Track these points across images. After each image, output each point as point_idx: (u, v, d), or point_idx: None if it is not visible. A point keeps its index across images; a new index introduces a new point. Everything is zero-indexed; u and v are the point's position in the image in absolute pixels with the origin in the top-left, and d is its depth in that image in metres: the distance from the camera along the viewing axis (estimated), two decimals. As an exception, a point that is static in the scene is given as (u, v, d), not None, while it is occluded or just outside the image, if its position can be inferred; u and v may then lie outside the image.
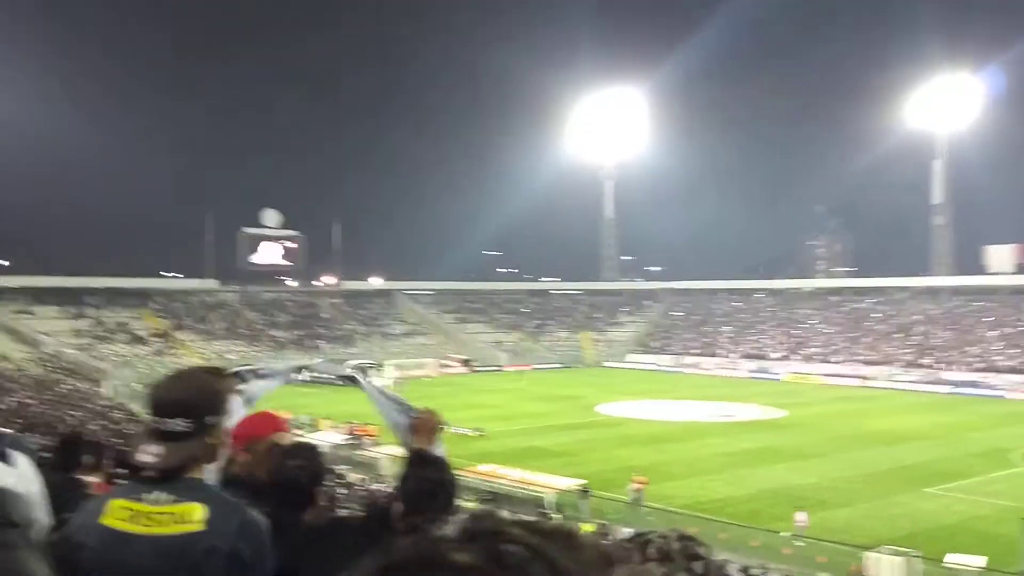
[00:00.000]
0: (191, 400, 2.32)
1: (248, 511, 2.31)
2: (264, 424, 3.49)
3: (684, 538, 2.01)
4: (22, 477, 2.66)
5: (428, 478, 2.71)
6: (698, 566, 1.95)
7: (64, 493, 3.29)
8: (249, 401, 3.31)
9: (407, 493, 2.72)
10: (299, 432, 40.04)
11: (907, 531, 25.68)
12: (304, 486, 2.97)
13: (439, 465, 2.78)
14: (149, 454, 2.27)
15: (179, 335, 77.22)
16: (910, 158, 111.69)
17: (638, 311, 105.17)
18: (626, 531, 25.24)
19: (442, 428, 3.41)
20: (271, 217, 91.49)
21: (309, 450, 3.12)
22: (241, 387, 3.30)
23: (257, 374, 3.41)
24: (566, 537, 0.73)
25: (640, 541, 1.99)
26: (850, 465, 35.53)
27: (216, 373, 2.60)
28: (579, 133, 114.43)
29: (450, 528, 0.73)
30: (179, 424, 2.26)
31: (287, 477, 2.94)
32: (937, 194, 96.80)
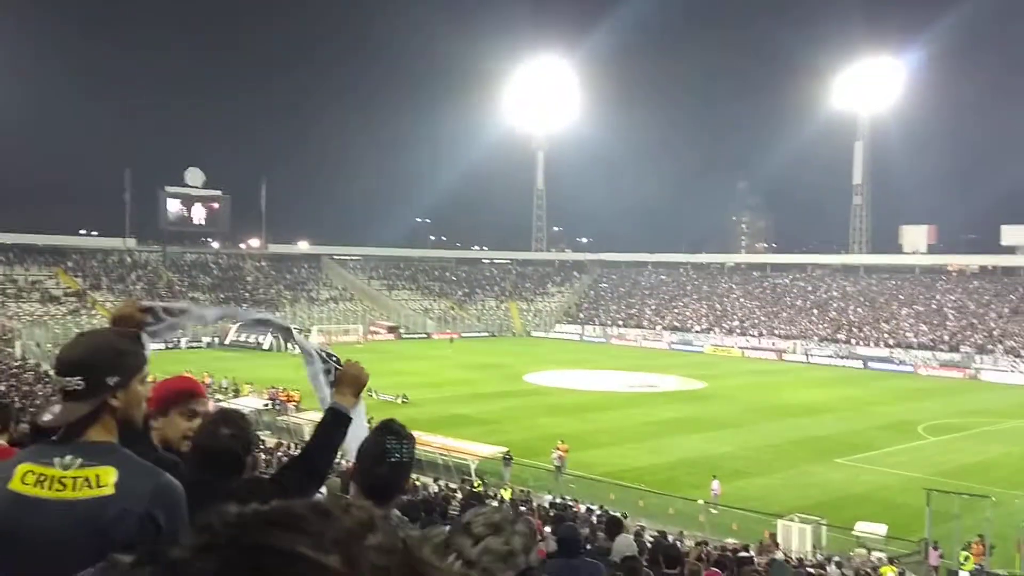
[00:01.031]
0: (88, 359, 2.28)
1: (162, 475, 2.28)
2: (181, 388, 3.43)
3: (502, 510, 2.10)
4: None
5: (384, 446, 2.71)
6: (524, 526, 2.01)
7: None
8: (155, 335, 3.18)
9: (363, 455, 2.72)
10: (220, 397, 39.44)
11: (817, 500, 26.63)
12: (238, 454, 2.93)
13: (402, 436, 2.78)
14: (49, 413, 2.25)
15: (95, 295, 74.94)
16: (833, 138, 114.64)
17: (566, 282, 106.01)
18: (547, 497, 25.65)
19: (366, 386, 3.36)
20: (195, 176, 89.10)
21: (241, 418, 3.07)
22: (151, 322, 3.17)
23: (171, 312, 3.26)
24: (320, 511, 0.70)
25: (463, 525, 2.03)
26: (765, 436, 36.61)
27: (127, 335, 2.54)
28: (512, 102, 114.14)
29: (183, 545, 0.69)
30: (74, 383, 2.24)
31: (222, 446, 2.89)
32: (857, 174, 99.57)
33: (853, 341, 73.38)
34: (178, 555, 0.69)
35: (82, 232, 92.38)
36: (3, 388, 32.12)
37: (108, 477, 2.18)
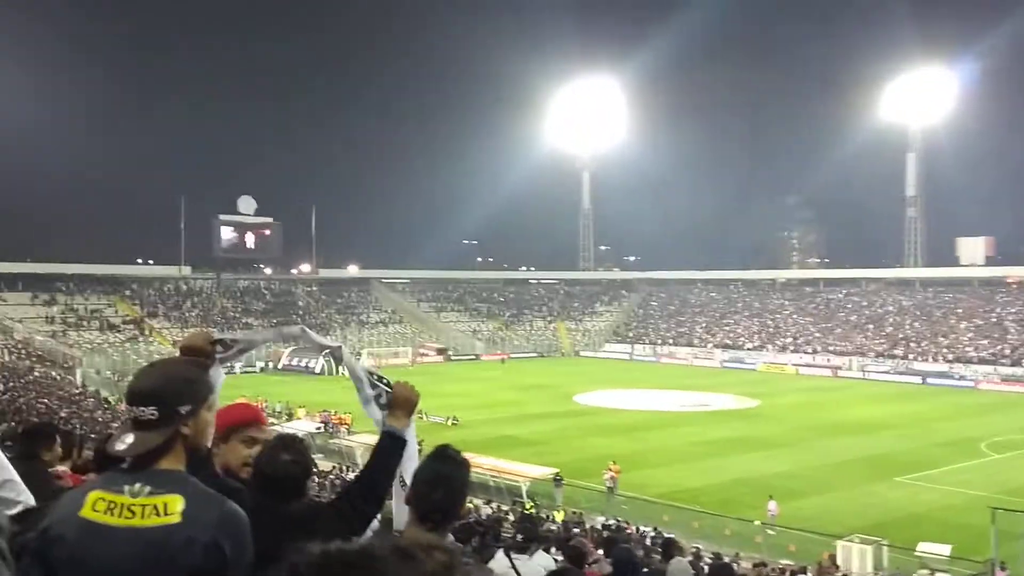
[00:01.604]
0: (161, 389, 2.32)
1: (227, 503, 2.31)
2: (242, 415, 3.48)
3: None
4: None
5: (439, 471, 2.72)
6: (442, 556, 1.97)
7: (30, 482, 3.27)
8: (222, 362, 3.28)
9: (417, 481, 2.74)
10: (274, 421, 39.91)
11: (876, 520, 26.00)
12: (298, 479, 2.96)
13: (456, 462, 2.78)
14: (120, 442, 2.28)
15: (152, 323, 76.55)
16: (884, 150, 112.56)
17: (615, 301, 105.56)
18: (599, 519, 25.42)
19: (417, 407, 3.38)
20: (247, 204, 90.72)
21: (300, 443, 3.09)
22: (220, 354, 3.27)
23: (237, 341, 3.36)
24: (402, 554, 0.70)
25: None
26: (821, 454, 35.92)
27: (196, 363, 2.60)
28: (557, 123, 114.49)
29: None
30: (147, 412, 2.28)
31: (283, 472, 2.92)
32: (910, 186, 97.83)
33: (910, 356, 71.79)
34: None
35: (139, 261, 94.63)
36: (64, 415, 32.90)
37: (175, 505, 2.21)
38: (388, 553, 0.70)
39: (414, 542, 0.73)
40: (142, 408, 2.29)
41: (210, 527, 2.21)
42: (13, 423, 20.68)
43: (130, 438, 2.29)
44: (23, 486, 2.88)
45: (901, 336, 76.91)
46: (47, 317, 71.76)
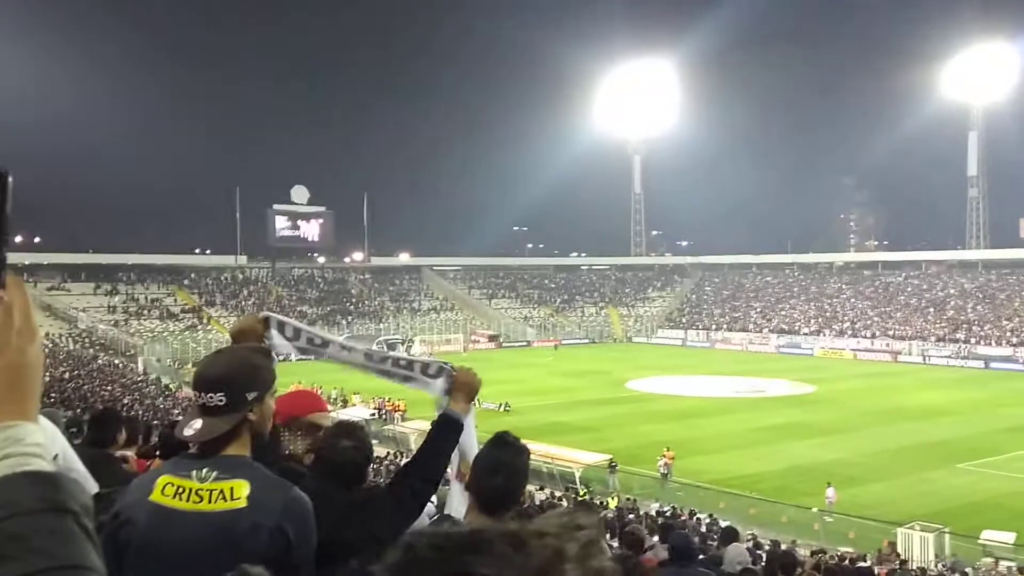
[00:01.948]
0: (229, 375, 2.37)
1: (292, 489, 2.35)
2: (305, 403, 3.53)
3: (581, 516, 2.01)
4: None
5: (498, 458, 2.72)
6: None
7: (98, 468, 3.34)
8: (274, 349, 3.30)
9: (477, 467, 2.75)
10: (329, 408, 40.45)
11: (937, 507, 25.47)
12: (359, 465, 2.99)
13: (515, 448, 2.78)
14: (189, 428, 2.33)
15: (210, 311, 78.10)
16: (945, 129, 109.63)
17: (667, 286, 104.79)
18: (654, 505, 25.32)
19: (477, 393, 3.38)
20: (300, 193, 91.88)
21: (360, 429, 3.12)
22: (271, 333, 3.31)
23: (298, 333, 3.39)
24: (513, 541, 0.71)
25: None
26: (880, 441, 35.27)
27: (260, 350, 2.63)
28: (607, 107, 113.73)
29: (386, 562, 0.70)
30: (216, 398, 2.32)
31: (344, 457, 2.95)
32: (972, 166, 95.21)
33: (973, 340, 70.02)
34: (379, 572, 0.71)
35: (197, 251, 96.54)
36: (127, 402, 33.78)
37: (241, 490, 2.25)
38: (499, 538, 0.71)
39: (526, 529, 0.73)
40: (210, 394, 2.33)
41: (275, 513, 2.25)
42: (78, 410, 21.29)
43: (198, 424, 2.33)
44: (87, 474, 2.95)
45: (963, 319, 75.05)
46: (109, 307, 73.66)
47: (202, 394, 2.35)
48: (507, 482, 2.67)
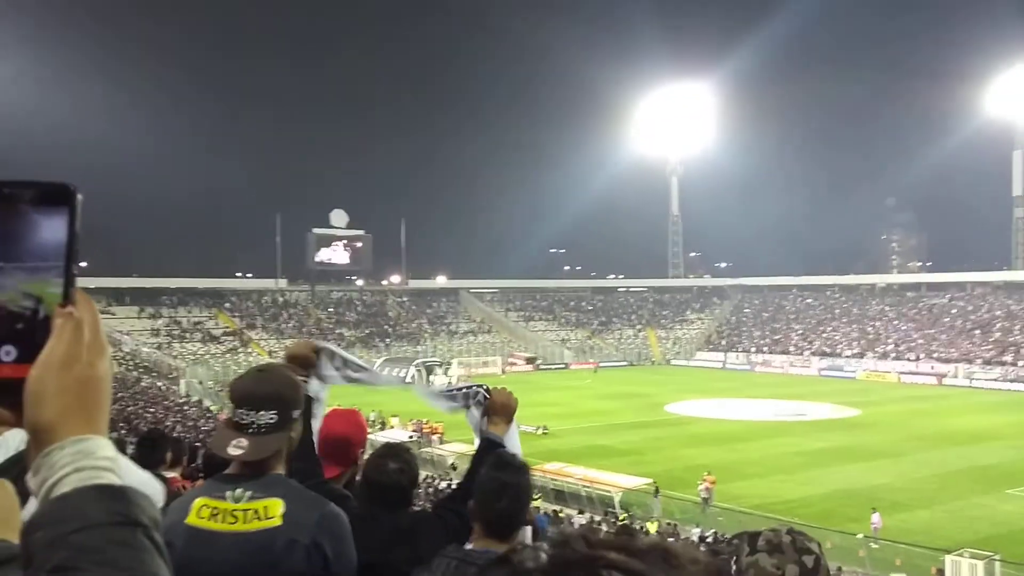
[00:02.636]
0: (279, 393, 2.38)
1: (327, 504, 2.35)
2: (342, 423, 3.55)
3: (793, 532, 1.97)
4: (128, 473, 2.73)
5: (501, 480, 2.68)
6: (809, 560, 1.90)
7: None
8: (323, 380, 3.35)
9: (480, 491, 2.71)
10: (368, 430, 40.62)
11: (986, 533, 24.86)
12: (405, 488, 2.98)
13: (516, 468, 2.73)
14: (238, 447, 2.32)
15: (251, 334, 78.97)
16: (989, 148, 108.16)
17: (706, 308, 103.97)
18: (695, 531, 25.00)
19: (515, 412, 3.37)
20: (339, 217, 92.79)
21: (406, 452, 3.11)
22: (324, 367, 3.34)
23: (349, 365, 3.42)
24: (664, 555, 0.70)
25: (750, 533, 1.95)
26: (926, 465, 34.55)
27: (293, 368, 2.66)
28: (644, 129, 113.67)
29: (539, 554, 0.71)
30: (267, 416, 2.32)
31: (390, 480, 2.94)
32: (1018, 185, 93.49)
33: (1021, 363, 68.44)
34: (533, 567, 0.72)
35: (238, 275, 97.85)
36: (170, 423, 34.21)
37: (276, 509, 2.25)
38: (650, 549, 0.71)
39: (675, 546, 0.73)
40: (262, 412, 2.33)
41: (310, 529, 2.25)
42: (122, 431, 21.59)
43: (245, 443, 2.31)
44: (150, 479, 2.98)
45: (1010, 341, 73.40)
46: (152, 329, 74.82)
47: (250, 412, 2.33)
48: (512, 504, 2.62)
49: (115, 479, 0.86)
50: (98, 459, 0.86)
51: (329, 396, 3.46)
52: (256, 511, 2.25)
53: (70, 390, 0.87)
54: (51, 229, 0.90)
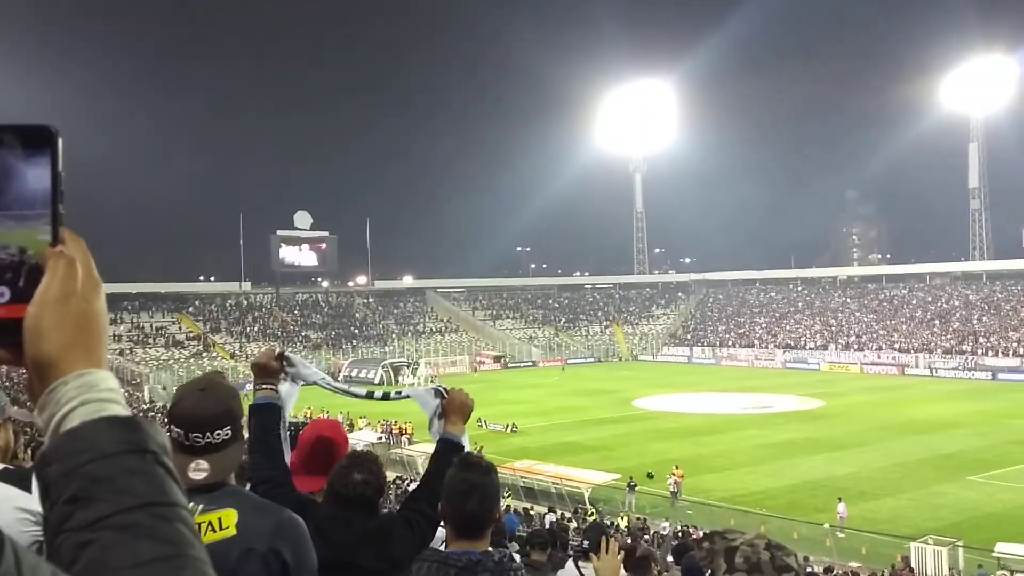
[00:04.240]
0: (228, 408, 2.35)
1: (283, 511, 2.32)
2: (333, 434, 3.54)
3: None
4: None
5: (469, 481, 2.65)
6: None
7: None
8: (294, 380, 3.38)
9: (448, 493, 2.68)
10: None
11: (950, 520, 25.29)
12: (369, 499, 2.95)
13: (483, 469, 2.70)
14: (199, 471, 2.27)
15: (215, 338, 78.11)
16: (945, 141, 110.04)
17: (671, 303, 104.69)
18: (664, 524, 25.14)
19: (471, 413, 3.39)
20: (303, 219, 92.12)
21: (373, 461, 3.08)
22: (289, 369, 3.37)
23: (304, 367, 3.45)
24: None
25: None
26: (890, 455, 35.07)
27: (221, 378, 2.58)
28: (607, 126, 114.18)
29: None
30: (223, 434, 2.30)
31: (354, 492, 2.91)
32: (973, 177, 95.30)
33: (980, 352, 69.76)
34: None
35: (201, 278, 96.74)
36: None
37: (229, 519, 2.22)
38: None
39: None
40: (217, 431, 2.29)
41: (266, 536, 2.22)
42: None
43: (205, 464, 2.28)
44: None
45: (969, 331, 74.82)
46: (115, 335, 73.64)
47: (204, 433, 2.28)
48: (480, 504, 2.58)
49: (120, 409, 0.89)
50: (102, 391, 0.88)
51: (300, 400, 3.45)
52: (210, 523, 2.21)
53: (69, 325, 0.89)
54: (34, 175, 0.91)
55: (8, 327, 0.89)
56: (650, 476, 30.42)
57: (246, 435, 2.49)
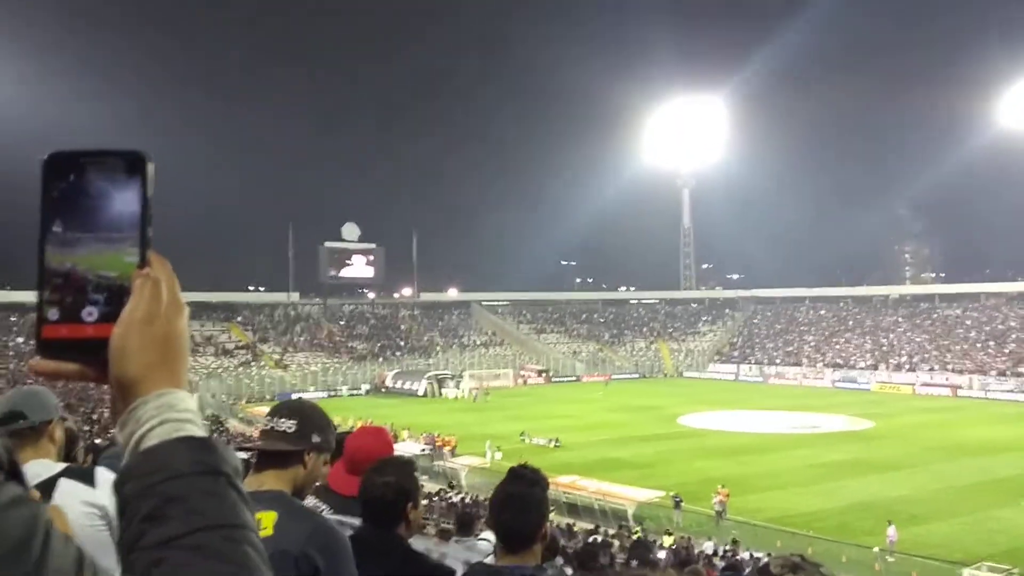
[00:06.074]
0: (303, 410, 2.60)
1: (321, 519, 2.37)
2: (372, 443, 3.53)
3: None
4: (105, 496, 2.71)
5: (507, 491, 2.64)
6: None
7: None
8: None
9: (490, 505, 2.67)
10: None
11: (1005, 547, 24.58)
12: (390, 503, 2.84)
13: (528, 480, 2.67)
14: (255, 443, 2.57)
15: (263, 347, 79.14)
16: (1003, 158, 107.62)
17: (718, 320, 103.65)
18: (708, 544, 24.80)
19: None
20: (351, 231, 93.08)
21: (404, 464, 3.02)
22: None
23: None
24: None
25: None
26: (942, 477, 34.24)
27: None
28: (655, 141, 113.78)
29: None
30: (287, 424, 2.51)
31: (374, 494, 2.85)
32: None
33: (1037, 374, 67.86)
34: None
35: (250, 288, 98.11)
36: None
37: (268, 520, 2.27)
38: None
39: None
40: (283, 419, 2.51)
41: (300, 541, 2.25)
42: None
43: (261, 441, 2.52)
44: None
45: (1026, 353, 72.86)
46: (166, 343, 74.95)
47: (275, 419, 2.52)
48: (517, 517, 2.56)
49: (197, 431, 0.91)
50: (181, 411, 0.92)
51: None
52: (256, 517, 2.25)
53: (152, 346, 0.92)
54: (124, 199, 0.95)
55: (95, 346, 0.91)
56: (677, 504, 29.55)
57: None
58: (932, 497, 31.11)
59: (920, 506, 29.73)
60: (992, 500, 30.46)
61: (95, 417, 36.62)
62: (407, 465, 3.05)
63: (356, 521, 2.84)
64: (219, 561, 0.81)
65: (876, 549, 23.96)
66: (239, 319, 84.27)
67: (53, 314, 0.91)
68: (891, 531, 24.97)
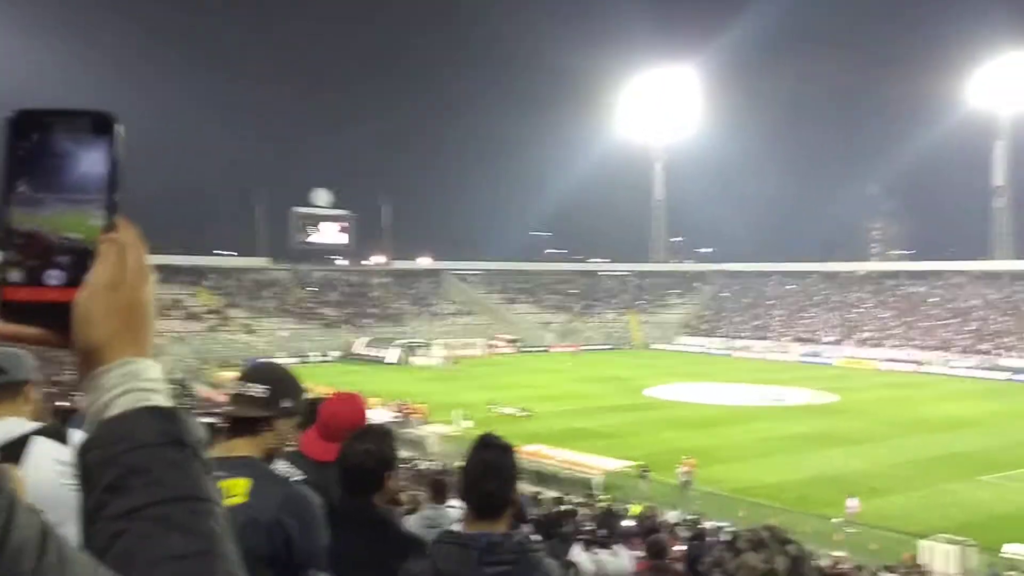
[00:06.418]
0: (276, 375, 2.58)
1: (294, 486, 2.35)
2: (346, 409, 3.51)
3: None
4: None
5: (485, 461, 2.65)
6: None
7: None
8: None
9: (466, 474, 2.67)
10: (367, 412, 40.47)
11: (961, 520, 25.16)
12: (370, 471, 2.89)
13: (501, 448, 2.69)
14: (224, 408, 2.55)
15: (231, 312, 78.54)
16: (971, 139, 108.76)
17: (687, 293, 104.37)
18: (673, 514, 25.12)
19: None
20: (322, 197, 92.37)
21: (380, 434, 3.04)
22: None
23: None
24: None
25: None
26: (903, 452, 34.91)
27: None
28: (629, 113, 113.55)
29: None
30: (259, 389, 2.48)
31: (354, 462, 2.88)
32: (999, 176, 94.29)
33: (997, 351, 69.19)
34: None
35: (219, 252, 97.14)
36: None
37: (240, 487, 2.26)
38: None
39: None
40: (255, 384, 2.49)
41: (272, 507, 2.25)
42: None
43: (232, 408, 2.50)
44: None
45: (988, 331, 74.22)
46: (133, 307, 74.14)
47: (245, 383, 2.49)
48: (497, 484, 2.59)
49: (163, 400, 0.89)
50: (146, 381, 0.89)
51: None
52: (221, 489, 2.24)
53: (117, 313, 0.90)
54: (91, 160, 0.92)
55: (58, 310, 0.89)
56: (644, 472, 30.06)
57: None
58: (892, 471, 31.73)
59: (880, 479, 30.31)
60: (949, 474, 31.15)
61: (56, 379, 36.20)
62: (387, 435, 3.08)
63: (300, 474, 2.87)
64: (182, 533, 0.79)
65: (837, 520, 24.43)
66: (207, 283, 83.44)
67: (15, 276, 0.88)
68: (852, 503, 25.44)
